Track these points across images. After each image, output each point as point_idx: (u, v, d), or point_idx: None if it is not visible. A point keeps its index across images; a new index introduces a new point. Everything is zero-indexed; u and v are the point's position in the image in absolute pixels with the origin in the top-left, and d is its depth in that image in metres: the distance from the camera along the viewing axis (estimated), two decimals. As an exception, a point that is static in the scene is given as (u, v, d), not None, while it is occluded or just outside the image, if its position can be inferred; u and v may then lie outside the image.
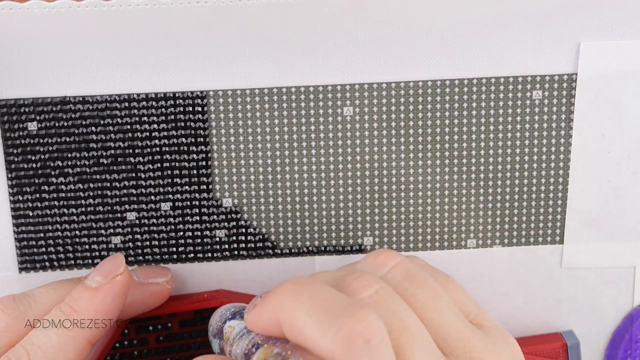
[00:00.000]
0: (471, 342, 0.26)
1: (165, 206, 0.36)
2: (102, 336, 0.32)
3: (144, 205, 0.36)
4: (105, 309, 0.31)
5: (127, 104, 0.34)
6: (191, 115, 0.35)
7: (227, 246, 0.36)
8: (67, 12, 0.32)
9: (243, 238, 0.36)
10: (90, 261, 0.36)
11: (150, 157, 0.35)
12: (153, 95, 0.34)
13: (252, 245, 0.36)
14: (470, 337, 0.26)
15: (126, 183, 0.35)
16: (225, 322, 0.30)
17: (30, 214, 0.35)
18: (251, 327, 0.26)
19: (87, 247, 0.36)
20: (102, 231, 0.36)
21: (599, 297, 0.38)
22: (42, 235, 0.35)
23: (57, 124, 0.34)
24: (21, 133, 0.34)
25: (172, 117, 0.35)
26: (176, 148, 0.35)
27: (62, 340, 0.31)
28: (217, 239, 0.36)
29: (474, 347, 0.26)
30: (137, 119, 0.35)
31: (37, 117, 0.34)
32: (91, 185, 0.35)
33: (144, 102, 0.34)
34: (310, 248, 0.37)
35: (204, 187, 0.36)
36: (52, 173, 0.35)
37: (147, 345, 0.36)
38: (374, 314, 0.23)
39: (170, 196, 0.36)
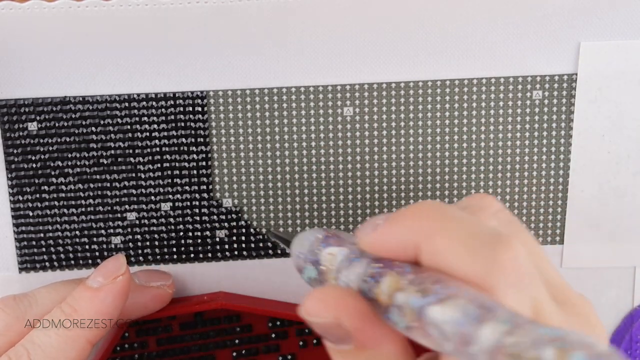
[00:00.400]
0: (572, 292, 0.25)
1: (166, 206, 0.36)
2: (103, 337, 0.32)
3: (144, 206, 0.36)
4: (105, 310, 0.31)
5: (127, 104, 0.34)
6: (191, 115, 0.35)
7: (227, 246, 0.36)
8: (67, 12, 0.32)
9: (243, 238, 0.36)
10: (90, 261, 0.36)
11: (150, 157, 0.35)
12: (153, 95, 0.34)
13: (252, 245, 0.36)
14: (570, 288, 0.25)
15: (126, 183, 0.35)
16: (320, 248, 0.26)
17: (30, 214, 0.35)
18: (372, 250, 0.24)
19: (87, 247, 0.36)
20: (102, 231, 0.36)
21: (599, 297, 0.38)
22: (42, 235, 0.35)
23: (57, 124, 0.34)
24: (21, 133, 0.34)
25: (172, 117, 0.35)
26: (176, 148, 0.35)
27: (62, 340, 0.31)
28: (217, 239, 0.36)
29: (575, 297, 0.25)
30: (137, 119, 0.35)
31: (37, 117, 0.34)
32: (91, 185, 0.35)
33: (144, 102, 0.34)
34: (311, 248, 0.37)
35: (204, 187, 0.36)
36: (52, 173, 0.35)
37: (147, 349, 0.36)
38: (520, 243, 0.22)
39: (171, 196, 0.36)
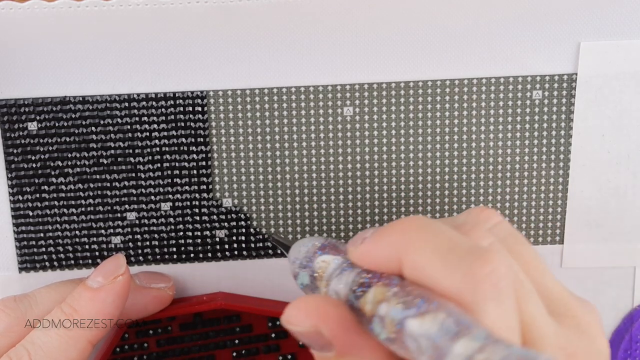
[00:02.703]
0: (573, 303, 0.25)
1: (165, 206, 0.36)
2: (103, 337, 0.32)
3: (144, 205, 0.36)
4: (106, 310, 0.31)
5: (127, 104, 0.34)
6: (191, 115, 0.35)
7: (227, 246, 0.36)
8: (67, 12, 0.32)
9: (243, 238, 0.36)
10: (90, 261, 0.36)
11: (150, 157, 0.35)
12: (153, 95, 0.34)
13: (252, 245, 0.36)
14: (572, 299, 0.26)
15: (126, 183, 0.35)
16: (315, 256, 0.27)
17: (30, 214, 0.35)
18: (359, 262, 0.25)
19: (87, 247, 0.36)
20: (102, 231, 0.36)
21: (599, 297, 0.38)
22: (42, 235, 0.35)
23: (57, 124, 0.34)
24: (21, 133, 0.34)
25: (172, 117, 0.35)
26: (176, 148, 0.35)
27: (63, 340, 0.31)
28: (217, 239, 0.36)
29: (575, 308, 0.25)
30: (137, 119, 0.35)
31: (37, 117, 0.34)
32: (91, 185, 0.35)
33: (144, 102, 0.34)
34: (310, 248, 0.37)
35: (204, 187, 0.36)
36: (52, 173, 0.35)
37: (147, 350, 0.36)
38: (501, 258, 0.22)
39: (170, 196, 0.36)
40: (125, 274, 0.32)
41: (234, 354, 0.36)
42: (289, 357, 0.36)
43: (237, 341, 0.36)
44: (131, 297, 0.33)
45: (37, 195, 0.35)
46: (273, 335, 0.36)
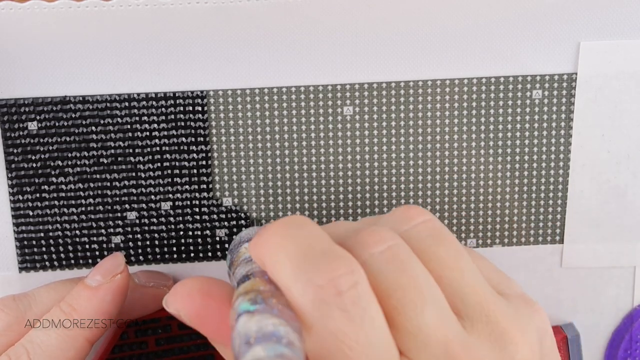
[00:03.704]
0: (490, 306, 0.24)
1: (166, 206, 0.36)
2: (102, 336, 0.32)
3: (144, 205, 0.36)
4: (104, 308, 0.31)
5: (127, 104, 0.34)
6: (191, 115, 0.35)
7: (227, 246, 0.36)
8: (67, 12, 0.32)
9: (243, 238, 0.36)
10: (90, 261, 0.36)
11: (150, 157, 0.35)
12: (153, 95, 0.34)
13: (252, 245, 0.37)
14: (491, 301, 0.24)
15: (126, 183, 0.35)
16: (242, 244, 0.28)
17: (30, 213, 0.35)
18: (252, 255, 0.25)
19: (87, 246, 0.36)
20: (102, 231, 0.36)
21: (599, 297, 0.38)
22: (42, 235, 0.35)
23: (57, 124, 0.34)
24: (21, 133, 0.34)
25: (172, 116, 0.35)
26: (176, 148, 0.35)
27: (62, 339, 0.31)
28: (217, 239, 0.36)
29: (492, 311, 0.24)
30: (137, 118, 0.35)
31: (37, 117, 0.34)
32: (91, 185, 0.35)
33: (144, 102, 0.34)
34: (310, 248, 0.37)
35: (204, 186, 0.36)
36: (52, 173, 0.35)
37: (146, 349, 0.36)
38: (352, 264, 0.22)
39: (171, 196, 0.36)
40: (124, 273, 0.32)
41: None
42: None
43: None
44: (130, 296, 0.33)
45: (37, 195, 0.35)
46: None
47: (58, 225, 0.36)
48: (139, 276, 0.35)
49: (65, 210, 0.35)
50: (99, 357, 0.34)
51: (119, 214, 0.36)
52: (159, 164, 0.35)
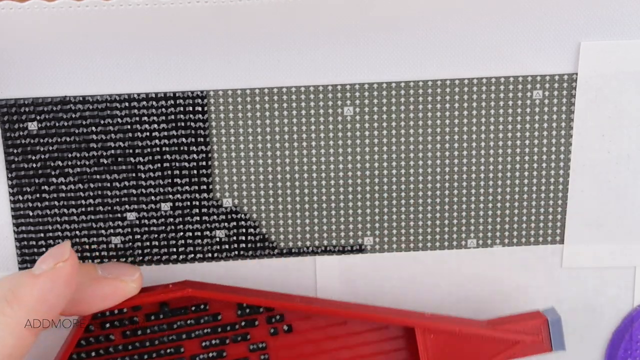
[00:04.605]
0: None
1: (166, 206, 0.36)
2: (48, 327, 0.31)
3: (144, 205, 0.36)
4: (46, 297, 0.30)
5: (127, 104, 0.34)
6: (191, 115, 0.35)
7: (227, 246, 0.36)
8: (67, 12, 0.32)
9: (243, 238, 0.36)
10: (90, 261, 0.36)
11: (150, 157, 0.35)
12: (153, 95, 0.34)
13: (252, 245, 0.36)
14: None
15: (126, 183, 0.35)
16: None
17: (30, 214, 0.35)
18: None
19: (87, 247, 0.36)
20: (102, 231, 0.36)
21: (599, 297, 0.38)
22: (42, 235, 0.35)
23: (57, 124, 0.34)
24: (21, 133, 0.34)
25: (172, 117, 0.35)
26: (176, 148, 0.35)
27: (1, 327, 0.30)
28: (217, 239, 0.36)
29: None
30: (137, 119, 0.35)
31: (37, 117, 0.34)
32: (91, 185, 0.35)
33: (144, 102, 0.34)
34: (311, 248, 0.37)
35: (204, 187, 0.36)
36: (52, 173, 0.35)
37: (113, 342, 0.35)
38: None
39: (171, 196, 0.36)
40: (68, 261, 0.31)
41: (203, 344, 0.36)
42: (260, 345, 0.36)
43: (205, 331, 0.36)
44: (90, 287, 0.32)
45: (37, 195, 0.35)
46: (243, 323, 0.36)
47: (58, 226, 0.35)
48: (103, 267, 0.34)
49: (65, 210, 0.35)
50: (64, 352, 0.33)
51: (119, 215, 0.36)
52: (159, 165, 0.35)
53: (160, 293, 0.34)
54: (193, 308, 0.35)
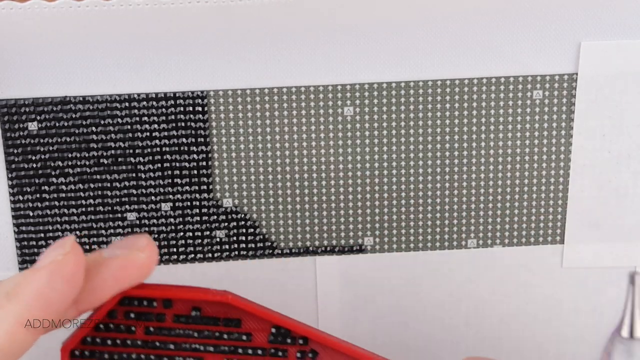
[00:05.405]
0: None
1: (166, 206, 0.36)
2: (48, 328, 0.29)
3: (144, 206, 0.36)
4: (44, 291, 0.29)
5: (127, 104, 0.34)
6: (191, 115, 0.35)
7: (227, 246, 0.36)
8: (67, 12, 0.32)
9: (243, 238, 0.36)
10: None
11: (150, 157, 0.35)
12: (153, 95, 0.34)
13: (252, 245, 0.36)
14: None
15: (126, 183, 0.35)
16: None
17: (30, 214, 0.35)
18: None
19: (87, 247, 0.36)
20: (103, 231, 0.36)
21: (599, 297, 0.38)
22: (42, 235, 0.35)
23: (57, 124, 0.34)
24: (21, 133, 0.34)
25: (173, 117, 0.35)
26: (176, 148, 0.35)
27: None
28: (217, 239, 0.36)
29: None
30: (137, 119, 0.35)
31: (37, 117, 0.34)
32: (91, 185, 0.35)
33: (145, 102, 0.34)
34: (311, 248, 0.37)
35: (204, 187, 0.36)
36: (52, 173, 0.35)
37: (133, 334, 0.33)
38: None
39: (171, 196, 0.36)
40: (69, 255, 0.29)
41: None
42: None
43: (231, 348, 0.34)
44: (99, 274, 0.30)
45: (37, 195, 0.35)
46: (272, 350, 0.34)
47: (58, 226, 0.35)
48: (109, 248, 0.31)
49: (65, 210, 0.35)
50: (77, 332, 0.32)
51: (119, 215, 0.36)
52: (159, 165, 0.35)
53: (199, 292, 0.32)
54: (225, 321, 0.33)
